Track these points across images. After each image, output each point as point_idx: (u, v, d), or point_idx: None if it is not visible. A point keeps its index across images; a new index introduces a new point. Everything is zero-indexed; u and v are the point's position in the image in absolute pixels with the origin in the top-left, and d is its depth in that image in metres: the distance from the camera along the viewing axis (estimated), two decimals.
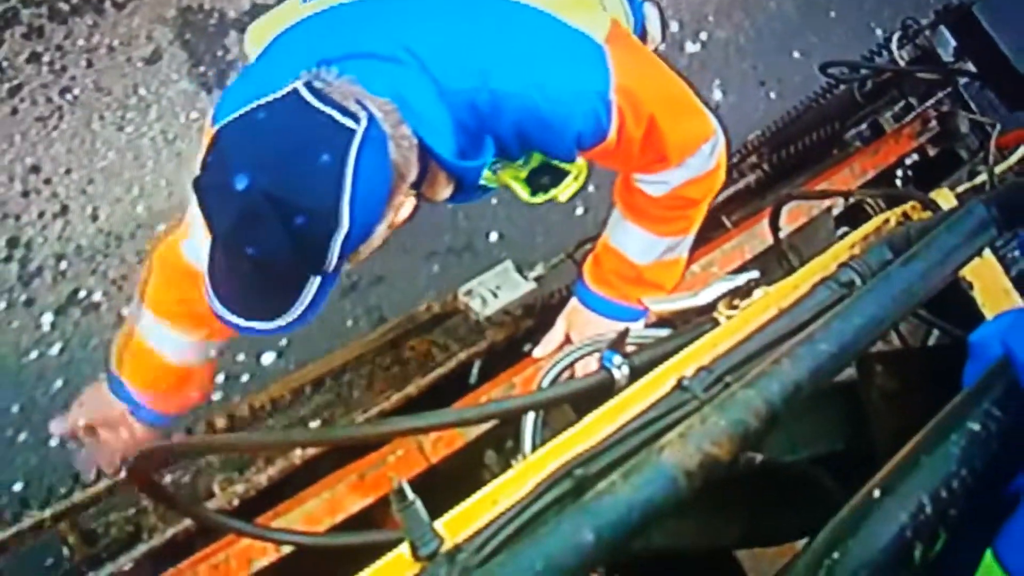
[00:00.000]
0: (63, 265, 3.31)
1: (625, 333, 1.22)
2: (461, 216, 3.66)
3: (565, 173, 1.72)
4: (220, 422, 2.04)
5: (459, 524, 0.88)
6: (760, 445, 0.92)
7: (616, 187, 1.92)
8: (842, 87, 2.77)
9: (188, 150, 3.54)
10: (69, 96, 3.51)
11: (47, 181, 3.40)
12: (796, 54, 4.33)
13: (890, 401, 1.34)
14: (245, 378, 3.29)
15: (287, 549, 1.64)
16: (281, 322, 1.40)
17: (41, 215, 3.36)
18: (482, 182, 1.65)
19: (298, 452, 1.85)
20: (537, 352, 1.93)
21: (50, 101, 3.49)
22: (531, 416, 1.27)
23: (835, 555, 0.73)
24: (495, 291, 2.12)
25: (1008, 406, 0.85)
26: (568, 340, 1.94)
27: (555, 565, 0.75)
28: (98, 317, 3.27)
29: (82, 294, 3.30)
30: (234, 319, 1.40)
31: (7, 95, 3.46)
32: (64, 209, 3.38)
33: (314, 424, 2.10)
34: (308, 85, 1.34)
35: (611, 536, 0.78)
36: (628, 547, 0.80)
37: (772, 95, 4.22)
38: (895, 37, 2.60)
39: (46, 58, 3.53)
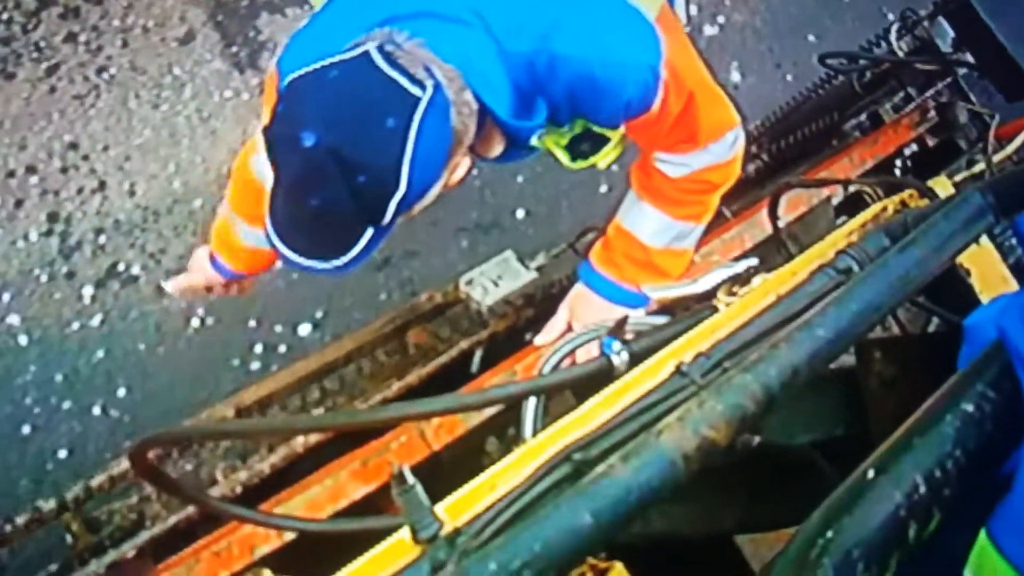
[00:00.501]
0: (102, 239, 3.41)
1: (624, 320, 1.23)
2: (488, 193, 3.76)
3: (605, 141, 1.75)
4: (225, 412, 2.05)
5: (459, 508, 0.89)
6: (758, 429, 0.93)
7: (633, 170, 1.95)
8: (841, 78, 2.78)
9: (222, 128, 3.63)
10: (105, 75, 3.60)
11: (85, 157, 3.49)
12: (811, 37, 4.41)
13: (888, 387, 1.35)
14: (283, 349, 3.40)
15: (289, 536, 1.65)
16: (335, 263, 1.46)
17: (80, 191, 3.45)
18: (531, 143, 1.70)
19: (301, 439, 1.86)
20: (539, 339, 1.95)
21: (87, 80, 3.57)
22: (532, 402, 1.29)
23: (829, 534, 0.73)
24: (496, 281, 2.12)
25: (1002, 388, 0.85)
26: (571, 327, 1.95)
27: (553, 547, 0.76)
28: (137, 289, 3.38)
29: (121, 267, 3.40)
30: (290, 255, 1.47)
31: (45, 74, 3.55)
32: (102, 185, 3.48)
33: (317, 412, 2.11)
34: (380, 48, 1.39)
35: (609, 519, 0.79)
36: (626, 530, 0.81)
37: (788, 77, 4.30)
38: (894, 28, 2.60)
39: (82, 38, 3.61)
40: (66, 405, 3.20)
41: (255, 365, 3.34)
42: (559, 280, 2.26)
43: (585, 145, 1.76)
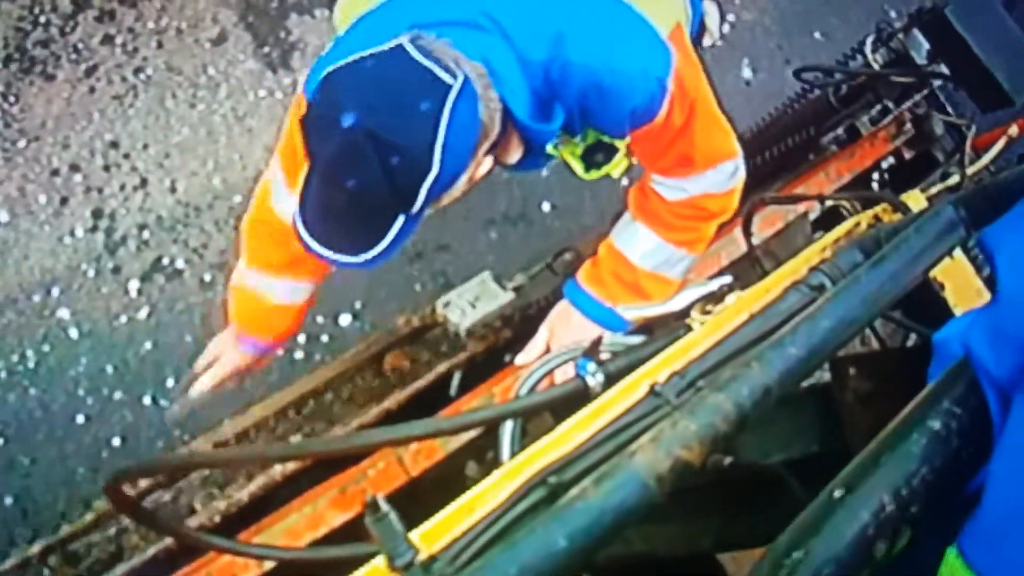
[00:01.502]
0: (146, 234, 3.52)
1: (599, 341, 1.23)
2: (516, 187, 3.88)
3: (615, 151, 1.80)
4: (204, 446, 2.04)
5: (435, 534, 0.89)
6: (732, 448, 0.93)
7: (632, 191, 1.98)
8: (817, 91, 2.79)
9: (258, 126, 3.73)
10: (142, 76, 3.69)
11: (126, 156, 3.59)
12: (817, 35, 4.55)
13: (864, 403, 1.35)
14: (325, 338, 3.51)
15: (269, 564, 1.64)
16: (363, 257, 1.50)
17: (122, 188, 3.55)
18: (547, 150, 1.75)
19: (279, 468, 1.85)
20: (519, 359, 1.94)
21: (125, 80, 3.67)
22: (509, 425, 1.28)
23: (796, 554, 0.73)
24: (473, 303, 2.12)
25: (968, 404, 0.85)
26: (550, 348, 1.95)
27: (528, 571, 0.76)
28: (181, 283, 3.48)
29: (165, 261, 3.50)
30: (320, 249, 1.51)
31: (84, 75, 3.64)
32: (143, 182, 3.58)
33: (295, 440, 2.10)
34: (413, 41, 1.46)
35: (584, 541, 0.78)
36: (602, 552, 0.81)
37: None
38: (869, 40, 2.61)
39: (119, 40, 3.70)
40: (117, 395, 3.31)
41: (299, 355, 3.44)
42: (537, 301, 2.26)
43: (599, 156, 1.81)
